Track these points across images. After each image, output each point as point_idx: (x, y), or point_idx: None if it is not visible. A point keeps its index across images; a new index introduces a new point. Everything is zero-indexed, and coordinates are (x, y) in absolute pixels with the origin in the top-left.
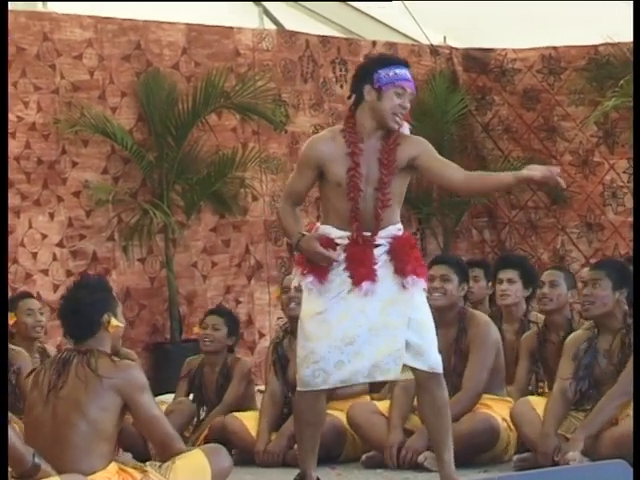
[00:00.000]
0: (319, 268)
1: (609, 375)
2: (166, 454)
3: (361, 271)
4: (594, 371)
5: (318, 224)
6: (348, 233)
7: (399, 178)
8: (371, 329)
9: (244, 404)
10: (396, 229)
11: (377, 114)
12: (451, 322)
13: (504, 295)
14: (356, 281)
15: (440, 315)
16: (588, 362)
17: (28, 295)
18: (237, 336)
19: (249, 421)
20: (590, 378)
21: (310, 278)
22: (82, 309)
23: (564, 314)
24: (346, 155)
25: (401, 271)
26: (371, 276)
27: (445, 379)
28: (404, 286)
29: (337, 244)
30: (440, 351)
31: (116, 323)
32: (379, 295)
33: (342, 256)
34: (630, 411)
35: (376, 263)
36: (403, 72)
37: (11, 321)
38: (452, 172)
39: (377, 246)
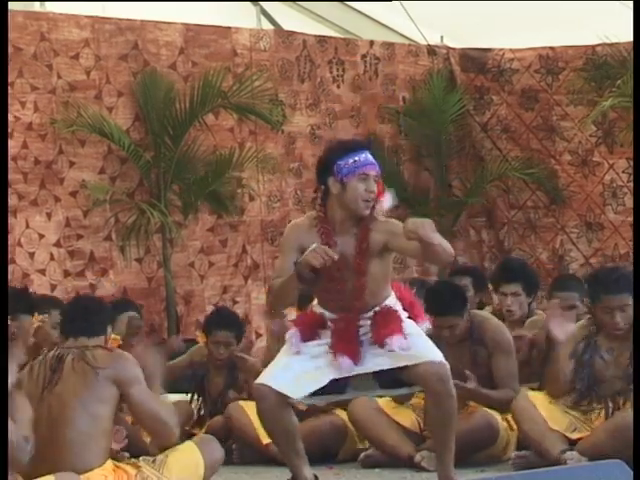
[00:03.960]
0: (306, 327)
1: (611, 372)
2: (164, 443)
3: (340, 344)
4: (594, 369)
5: (313, 304)
6: (332, 315)
7: (379, 260)
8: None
9: None
10: (382, 305)
11: (345, 205)
12: (463, 332)
13: (511, 312)
14: (334, 351)
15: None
16: (587, 360)
17: (61, 305)
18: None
19: (255, 414)
20: (590, 376)
21: (295, 331)
22: (93, 309)
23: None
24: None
25: (378, 339)
26: (352, 355)
27: (473, 392)
28: (391, 350)
29: (326, 322)
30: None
31: (116, 338)
32: (363, 367)
33: (329, 336)
34: (627, 403)
35: (359, 345)
36: (363, 157)
37: (36, 323)
38: (414, 248)
39: (360, 327)
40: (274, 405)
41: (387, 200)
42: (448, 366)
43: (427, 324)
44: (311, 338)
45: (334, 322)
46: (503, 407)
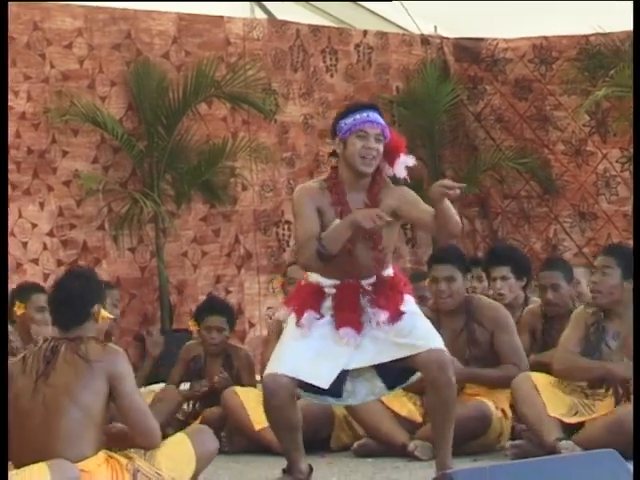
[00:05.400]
0: (305, 300)
1: (617, 357)
2: (145, 445)
3: (344, 316)
4: (602, 353)
5: (306, 275)
6: (336, 282)
7: (387, 227)
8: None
9: None
10: (385, 273)
11: (347, 163)
12: (456, 310)
13: (501, 295)
14: (338, 325)
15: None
16: (594, 344)
17: (41, 290)
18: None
19: (248, 400)
20: (597, 360)
21: (308, 315)
22: (74, 298)
23: (567, 308)
24: (332, 206)
25: (377, 308)
26: (354, 325)
27: (471, 374)
28: (378, 323)
29: (325, 292)
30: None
31: (106, 314)
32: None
33: (329, 304)
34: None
35: (362, 311)
36: (364, 115)
37: (19, 311)
38: (426, 216)
39: (363, 293)
40: (285, 400)
41: (401, 164)
42: (448, 353)
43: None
44: (319, 315)
45: (336, 290)
46: (505, 384)
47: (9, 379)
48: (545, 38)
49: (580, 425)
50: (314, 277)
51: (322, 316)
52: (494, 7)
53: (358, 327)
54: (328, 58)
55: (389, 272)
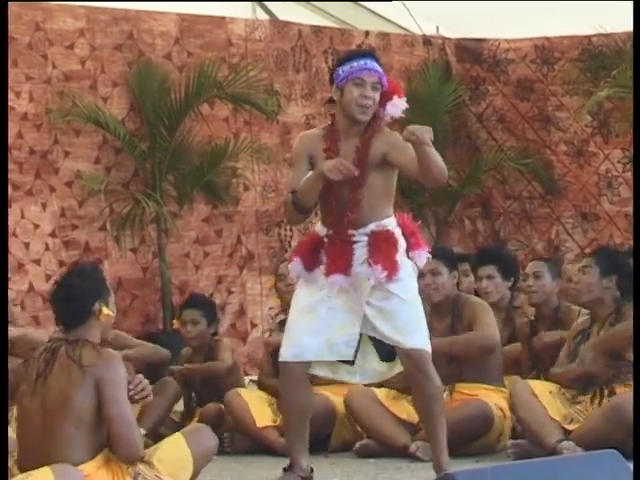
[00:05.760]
0: (307, 260)
1: (601, 362)
2: (123, 457)
3: (333, 265)
4: (585, 360)
5: (315, 224)
6: (329, 231)
7: (379, 174)
8: (331, 310)
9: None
10: (376, 225)
11: (344, 110)
12: (445, 311)
13: (487, 293)
14: (327, 273)
15: (435, 308)
16: (575, 349)
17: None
18: (217, 321)
19: (251, 400)
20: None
21: (295, 261)
22: (74, 297)
23: (550, 305)
24: (324, 152)
25: (368, 262)
26: (342, 269)
27: (446, 369)
28: (368, 278)
29: (324, 242)
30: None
31: (107, 312)
32: (355, 286)
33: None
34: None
35: (352, 257)
36: (361, 63)
37: None
38: (412, 163)
39: (356, 242)
40: (298, 378)
41: (394, 105)
42: (426, 350)
43: (425, 253)
44: (315, 264)
45: (329, 239)
46: (473, 345)
47: (17, 379)
48: (547, 39)
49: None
50: (317, 226)
51: (319, 264)
52: (496, 7)
53: (346, 271)
54: (330, 59)
55: (387, 222)
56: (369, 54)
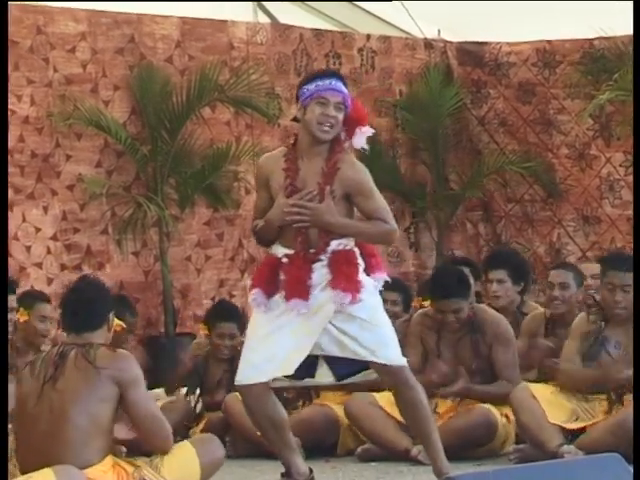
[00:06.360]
0: (266, 288)
1: (618, 366)
2: (159, 450)
3: (292, 290)
4: (602, 362)
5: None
6: (289, 251)
7: (339, 200)
8: (293, 335)
9: None
10: (337, 244)
11: (306, 128)
12: (466, 321)
13: (496, 297)
14: (287, 297)
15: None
16: (594, 353)
17: (47, 299)
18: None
19: None
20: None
21: (256, 292)
22: (94, 301)
23: (573, 313)
24: (282, 171)
25: (331, 283)
26: (301, 294)
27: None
28: (338, 305)
29: (282, 263)
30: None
31: (120, 324)
32: (315, 309)
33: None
34: (627, 401)
35: (310, 279)
36: (326, 82)
37: (22, 318)
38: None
39: (315, 261)
40: (258, 394)
41: (360, 135)
42: (401, 365)
43: (385, 277)
44: (275, 290)
45: (289, 259)
46: (500, 401)
47: (17, 383)
48: (548, 42)
49: (581, 431)
50: (274, 248)
51: (278, 289)
52: (497, 11)
53: (305, 296)
54: (331, 62)
55: (347, 242)
56: (335, 74)
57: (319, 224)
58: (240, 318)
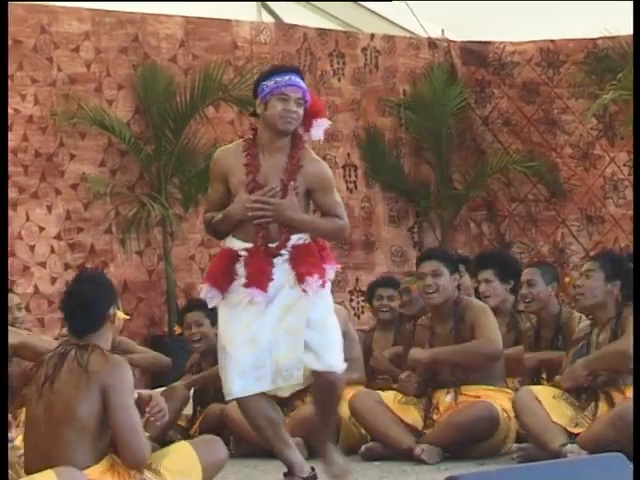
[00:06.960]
0: (220, 280)
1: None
2: (130, 463)
3: (251, 279)
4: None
5: (224, 240)
6: (248, 245)
7: (300, 196)
8: (271, 335)
9: None
10: (297, 238)
11: (267, 123)
12: (447, 314)
13: (485, 297)
14: (247, 284)
15: (436, 311)
16: (580, 356)
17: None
18: None
19: None
20: None
21: (210, 290)
22: (90, 304)
23: (550, 309)
24: (243, 166)
25: (299, 277)
26: (260, 285)
27: (450, 374)
28: (304, 290)
29: (240, 256)
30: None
31: (122, 316)
32: (277, 303)
33: (242, 269)
34: (629, 393)
35: (272, 273)
36: (286, 78)
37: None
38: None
39: (276, 256)
40: (254, 401)
41: (317, 127)
42: (335, 372)
43: (335, 267)
44: (230, 283)
45: (249, 253)
46: (470, 357)
47: (27, 382)
48: (552, 41)
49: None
50: (229, 241)
51: (235, 279)
52: (501, 10)
53: (264, 287)
54: (335, 62)
55: (306, 236)
56: (293, 70)
57: (281, 220)
58: (205, 307)
